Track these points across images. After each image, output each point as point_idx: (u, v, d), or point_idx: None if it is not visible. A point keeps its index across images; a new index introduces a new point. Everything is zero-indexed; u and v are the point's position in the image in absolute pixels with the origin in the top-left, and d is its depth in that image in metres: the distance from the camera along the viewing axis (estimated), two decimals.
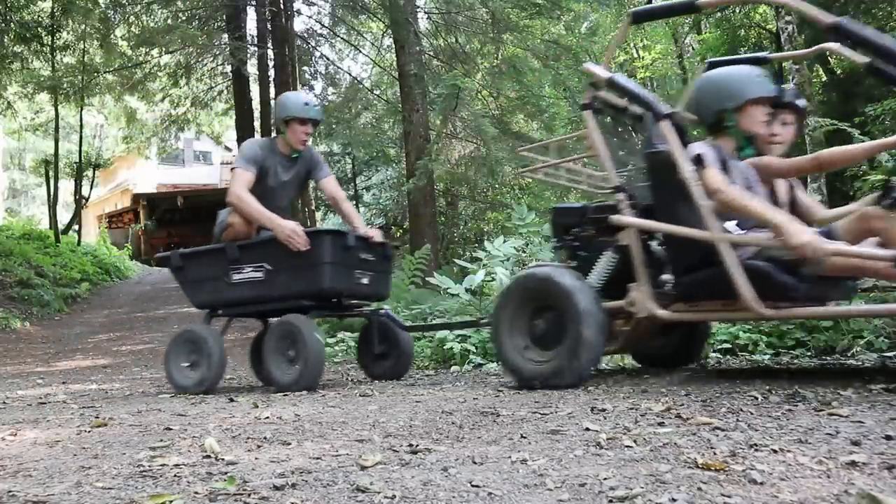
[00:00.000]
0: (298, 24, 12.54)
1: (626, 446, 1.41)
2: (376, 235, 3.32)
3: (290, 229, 3.00)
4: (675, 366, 3.08)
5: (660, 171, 2.49)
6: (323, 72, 13.31)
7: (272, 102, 12.33)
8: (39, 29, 13.28)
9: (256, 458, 1.49)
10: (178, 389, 3.24)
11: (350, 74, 13.71)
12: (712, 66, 2.75)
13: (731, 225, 2.40)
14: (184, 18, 11.70)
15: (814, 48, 2.67)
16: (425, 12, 10.53)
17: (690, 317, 2.53)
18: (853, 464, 1.18)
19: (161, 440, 1.78)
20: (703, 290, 2.43)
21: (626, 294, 2.56)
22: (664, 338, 3.04)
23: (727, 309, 2.40)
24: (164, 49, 12.00)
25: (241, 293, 3.18)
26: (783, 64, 10.96)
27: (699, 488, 1.07)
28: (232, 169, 3.26)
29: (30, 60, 13.55)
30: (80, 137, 16.03)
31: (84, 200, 18.38)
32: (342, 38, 13.57)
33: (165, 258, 3.44)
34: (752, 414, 1.69)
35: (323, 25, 13.19)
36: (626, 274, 2.59)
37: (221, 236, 3.27)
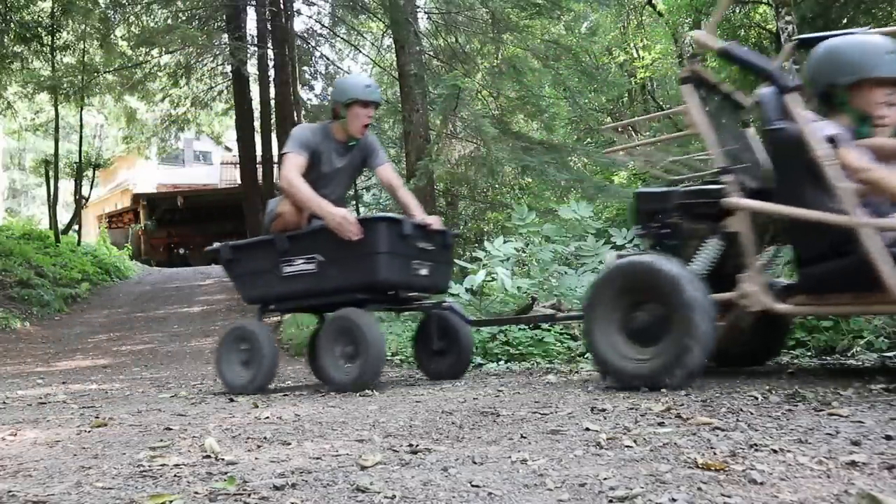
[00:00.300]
0: (298, 24, 12.56)
1: (626, 446, 1.41)
2: (435, 223, 3.13)
3: (340, 216, 2.83)
4: (754, 364, 2.90)
5: (784, 150, 2.25)
6: (323, 72, 13.31)
7: (272, 102, 12.37)
8: (39, 29, 13.28)
9: (256, 458, 1.49)
10: (229, 389, 3.14)
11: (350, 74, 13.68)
12: (803, 44, 2.51)
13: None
14: (184, 18, 11.70)
15: None
16: (425, 12, 10.52)
17: (815, 311, 2.31)
18: (853, 464, 1.18)
19: (161, 440, 1.78)
20: (835, 282, 2.17)
21: (726, 286, 2.32)
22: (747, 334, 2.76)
23: (863, 302, 2.14)
24: (164, 49, 12.01)
25: (293, 287, 3.02)
26: (783, 64, 10.95)
27: (699, 488, 1.07)
28: (283, 154, 3.10)
29: (30, 60, 13.55)
30: (80, 137, 16.03)
31: (84, 200, 18.37)
32: (342, 38, 13.57)
33: (215, 251, 3.28)
34: (752, 414, 1.69)
35: (323, 25, 13.19)
36: (725, 264, 2.38)
37: (271, 227, 3.11)
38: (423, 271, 3.04)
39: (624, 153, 3.43)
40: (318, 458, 1.46)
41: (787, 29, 7.69)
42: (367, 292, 2.96)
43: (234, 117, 14.61)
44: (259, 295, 3.19)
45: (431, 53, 10.21)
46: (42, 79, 12.94)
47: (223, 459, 1.49)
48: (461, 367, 3.31)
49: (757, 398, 1.91)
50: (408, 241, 2.93)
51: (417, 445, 1.54)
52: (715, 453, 1.30)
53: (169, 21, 11.49)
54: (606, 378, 2.40)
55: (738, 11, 12.83)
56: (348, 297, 2.94)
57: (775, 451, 1.29)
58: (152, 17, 12.12)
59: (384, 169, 3.32)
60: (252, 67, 13.15)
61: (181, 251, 23.15)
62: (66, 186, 21.30)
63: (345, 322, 2.84)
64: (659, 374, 2.20)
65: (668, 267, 2.21)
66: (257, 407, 2.49)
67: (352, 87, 3.11)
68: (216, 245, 3.28)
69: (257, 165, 14.24)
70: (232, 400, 2.80)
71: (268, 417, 2.15)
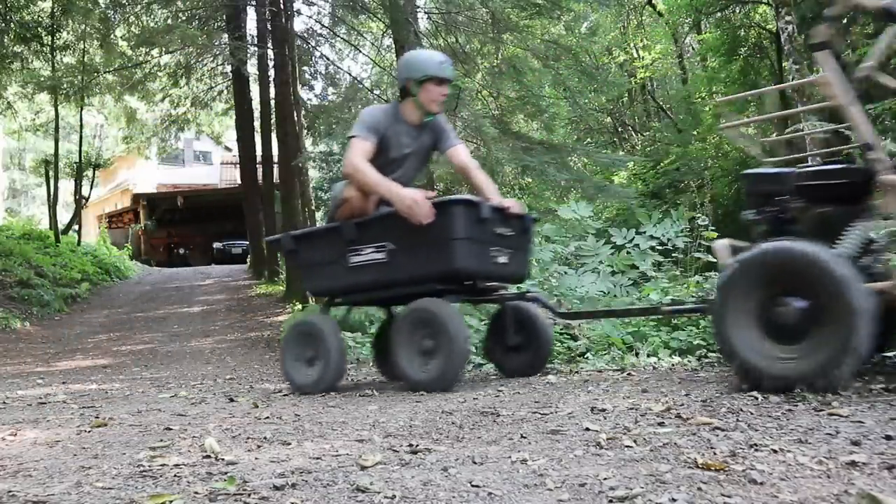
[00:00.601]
0: (298, 24, 12.56)
1: (626, 446, 1.41)
2: (514, 206, 2.89)
3: (410, 199, 2.61)
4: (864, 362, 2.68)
5: None
6: (323, 72, 13.31)
7: (272, 102, 12.37)
8: (39, 29, 13.29)
9: (256, 458, 1.49)
10: (295, 389, 2.95)
11: (350, 74, 13.71)
12: None
13: None
14: (184, 18, 11.71)
15: None
16: (425, 12, 10.52)
17: None
18: (853, 464, 1.18)
19: (161, 440, 1.78)
20: None
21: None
22: None
23: None
24: (164, 49, 12.01)
25: (361, 278, 2.80)
26: (783, 64, 10.95)
27: (699, 488, 1.07)
28: (349, 138, 2.90)
29: (30, 60, 13.57)
30: (80, 137, 16.04)
31: (84, 200, 18.38)
32: (342, 38, 13.57)
33: (276, 241, 3.11)
34: (752, 414, 1.69)
35: (323, 25, 13.19)
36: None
37: (336, 214, 2.90)
38: (502, 259, 2.80)
39: (735, 131, 3.16)
40: (318, 458, 1.46)
41: (787, 29, 7.70)
42: (443, 282, 2.72)
43: (234, 117, 14.64)
44: (324, 287, 2.99)
45: None
46: (42, 79, 12.95)
47: (223, 459, 1.49)
48: (539, 363, 3.05)
49: (757, 398, 1.91)
50: (486, 225, 2.70)
51: (417, 445, 1.54)
52: (715, 453, 1.30)
53: (169, 21, 11.50)
54: (744, 381, 2.08)
55: (738, 11, 12.84)
56: (421, 288, 2.71)
57: (775, 451, 1.29)
58: (152, 17, 12.13)
59: (457, 151, 3.08)
60: (252, 67, 13.16)
61: (181, 251, 23.15)
62: (66, 186, 21.30)
63: (423, 314, 2.61)
64: (817, 375, 1.95)
65: (823, 256, 1.95)
66: (257, 407, 2.49)
67: (426, 62, 2.89)
68: (277, 235, 3.12)
69: (257, 165, 14.24)
70: (232, 400, 2.80)
71: (268, 417, 2.15)
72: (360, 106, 12.78)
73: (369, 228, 2.79)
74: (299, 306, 9.02)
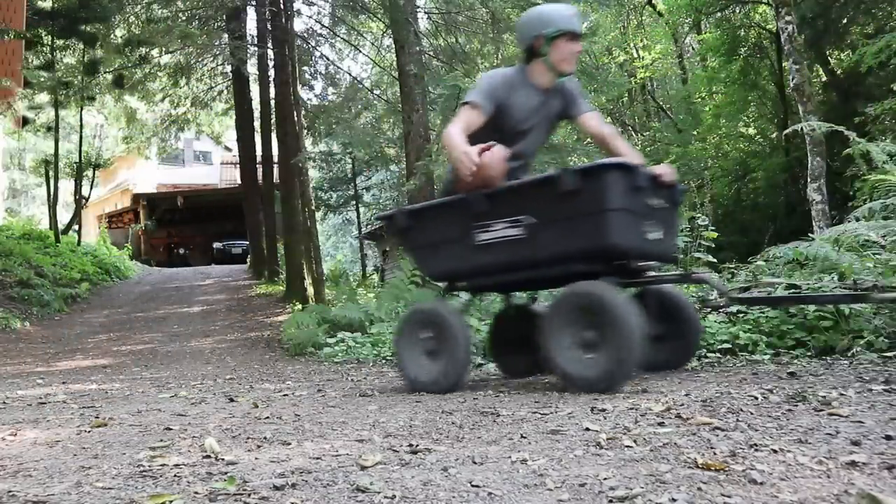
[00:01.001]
0: (298, 24, 12.57)
1: (626, 446, 1.41)
2: (668, 173, 2.50)
3: (461, 150, 2.39)
4: None
5: None
6: (323, 72, 13.32)
7: (272, 102, 12.37)
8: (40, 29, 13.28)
9: (256, 458, 1.49)
10: (413, 386, 2.63)
11: (350, 74, 13.72)
12: None
13: None
14: (184, 18, 11.72)
15: None
16: (425, 12, 10.53)
17: None
18: (853, 464, 1.18)
19: (161, 440, 1.78)
20: None
21: None
22: None
23: None
24: (164, 49, 12.02)
25: (491, 258, 2.44)
26: (783, 64, 10.95)
27: (699, 488, 1.07)
28: (462, 104, 2.63)
29: (30, 60, 13.55)
30: (80, 137, 16.03)
31: (84, 200, 18.37)
32: (342, 38, 13.58)
33: (387, 218, 2.78)
34: (752, 414, 1.69)
35: (323, 25, 13.20)
36: None
37: (457, 187, 2.56)
38: (655, 234, 2.40)
39: None
40: (318, 458, 1.46)
41: (787, 29, 7.69)
42: (591, 262, 2.35)
43: (234, 117, 14.65)
44: (444, 270, 2.65)
45: (431, 53, 10.22)
46: (42, 79, 12.94)
47: (223, 459, 1.49)
48: (686, 354, 2.72)
49: (757, 398, 1.91)
50: (640, 195, 2.32)
51: (417, 445, 1.54)
52: (715, 453, 1.30)
53: (169, 21, 11.50)
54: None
55: (738, 11, 12.84)
56: (566, 270, 2.36)
57: (775, 451, 1.29)
58: (152, 16, 12.13)
59: (589, 118, 2.75)
60: (252, 67, 13.17)
61: (181, 251, 23.17)
62: (66, 186, 21.30)
63: (584, 299, 2.22)
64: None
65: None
66: (257, 407, 2.49)
67: (557, 16, 2.57)
68: (389, 211, 2.80)
69: (257, 165, 14.26)
70: (232, 400, 2.80)
71: (268, 417, 2.15)
72: (360, 106, 12.81)
73: (503, 200, 2.41)
74: (299, 306, 9.02)
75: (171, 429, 1.99)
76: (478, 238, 2.47)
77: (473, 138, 2.53)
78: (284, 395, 2.90)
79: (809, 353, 3.22)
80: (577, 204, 2.26)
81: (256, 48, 12.15)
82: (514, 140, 2.60)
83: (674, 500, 1.03)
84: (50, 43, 13.34)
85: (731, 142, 14.03)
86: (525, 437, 1.57)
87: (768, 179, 12.46)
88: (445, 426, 1.80)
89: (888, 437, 1.35)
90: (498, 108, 2.59)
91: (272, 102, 12.32)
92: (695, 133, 14.37)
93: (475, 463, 1.34)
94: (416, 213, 2.69)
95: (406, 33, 8.55)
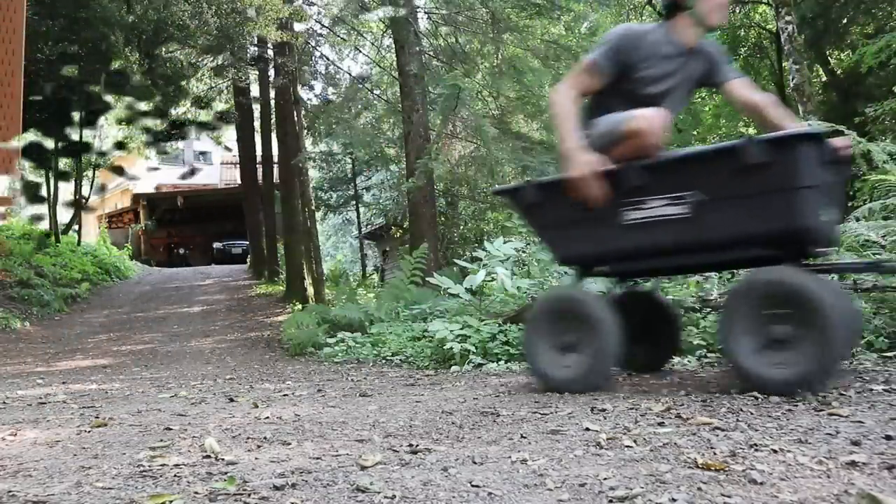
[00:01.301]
0: (299, 25, 12.55)
1: (626, 446, 1.41)
2: (846, 147, 2.24)
3: (585, 167, 2.15)
4: None
5: None
6: (323, 72, 13.32)
7: (271, 103, 12.38)
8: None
9: (256, 458, 1.49)
10: (547, 384, 2.32)
11: (350, 74, 13.71)
12: None
13: None
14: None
15: None
16: (425, 12, 10.53)
17: None
18: (853, 464, 1.18)
19: (161, 440, 1.78)
20: None
21: None
22: None
23: None
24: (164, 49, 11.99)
25: (645, 240, 2.14)
26: (783, 64, 10.95)
27: (699, 488, 1.08)
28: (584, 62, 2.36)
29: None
30: (80, 137, 16.01)
31: (84, 200, 18.36)
32: (342, 38, 13.57)
33: (512, 191, 2.47)
34: (752, 414, 1.69)
35: (323, 25, 13.20)
36: None
37: (609, 154, 2.20)
38: (829, 215, 2.12)
39: None
40: (318, 458, 1.46)
41: (787, 29, 7.69)
42: (774, 246, 2.04)
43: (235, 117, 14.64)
44: (581, 253, 2.34)
45: (431, 53, 10.22)
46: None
47: (223, 459, 1.49)
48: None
49: (757, 398, 1.91)
50: (824, 171, 2.04)
51: (417, 445, 1.54)
52: (715, 453, 1.30)
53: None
54: None
55: (738, 11, 12.83)
56: (741, 254, 2.09)
57: (775, 451, 1.29)
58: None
59: (739, 85, 2.42)
60: (252, 68, 13.15)
61: (181, 251, 23.17)
62: (67, 186, 21.27)
63: (779, 287, 1.93)
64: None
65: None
66: (257, 407, 2.49)
67: None
68: (514, 184, 2.48)
69: (257, 165, 14.26)
70: (232, 400, 2.80)
71: (268, 417, 2.15)
72: (360, 106, 12.79)
73: (663, 173, 2.11)
74: (299, 306, 9.02)
75: (171, 429, 1.99)
76: (627, 216, 2.16)
77: (592, 105, 2.34)
78: (284, 395, 2.90)
79: None
80: (764, 179, 1.96)
81: (257, 48, 12.15)
82: (643, 107, 2.25)
83: (674, 500, 1.03)
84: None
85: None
86: (525, 437, 1.57)
87: None
88: (445, 426, 1.80)
89: (888, 437, 1.35)
90: (623, 69, 2.28)
91: (272, 102, 12.33)
92: (695, 133, 14.37)
93: (475, 463, 1.34)
94: (550, 186, 2.33)
95: (406, 33, 8.55)
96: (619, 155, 2.18)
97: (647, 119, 2.14)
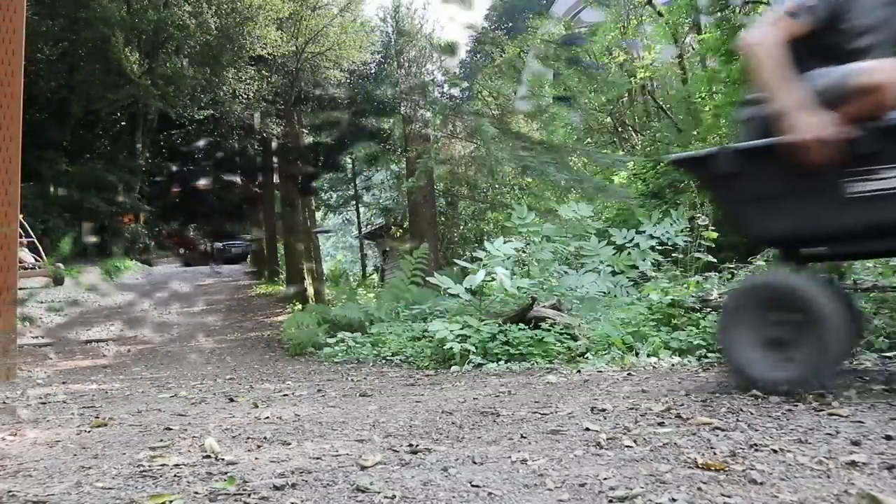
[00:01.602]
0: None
1: (626, 446, 1.41)
2: None
3: (814, 129, 1.81)
4: None
5: None
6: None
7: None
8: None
9: (256, 458, 1.49)
10: (753, 384, 1.96)
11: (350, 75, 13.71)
12: None
13: None
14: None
15: None
16: None
17: None
18: (853, 464, 1.18)
19: (161, 440, 1.78)
20: None
21: None
22: None
23: None
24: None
25: (878, 215, 1.83)
26: None
27: (699, 488, 1.07)
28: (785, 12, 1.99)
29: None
30: None
31: None
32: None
33: (700, 160, 2.16)
34: (752, 414, 1.69)
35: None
36: None
37: (840, 112, 1.85)
38: None
39: None
40: (318, 458, 1.46)
41: None
42: None
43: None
44: (789, 231, 2.01)
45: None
46: None
47: (223, 459, 1.49)
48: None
49: (757, 398, 1.91)
50: None
51: (417, 445, 1.54)
52: (715, 453, 1.30)
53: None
54: None
55: (738, 11, 12.84)
56: None
57: (775, 451, 1.29)
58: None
59: None
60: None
61: (181, 251, 23.18)
62: None
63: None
64: None
65: None
66: (257, 407, 2.49)
67: None
68: (707, 150, 2.17)
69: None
70: (232, 400, 2.80)
71: (268, 417, 2.15)
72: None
73: None
74: (299, 306, 9.02)
75: (171, 429, 1.98)
76: (854, 188, 1.86)
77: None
78: (284, 395, 2.90)
79: None
80: None
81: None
82: (847, 61, 1.93)
83: (674, 500, 1.03)
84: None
85: (731, 142, 14.03)
86: (525, 437, 1.57)
87: None
88: (445, 426, 1.80)
89: (888, 437, 1.35)
90: (832, 17, 1.95)
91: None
92: (695, 133, 14.37)
93: (475, 463, 1.34)
94: (753, 152, 1.99)
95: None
96: (846, 115, 1.84)
97: (887, 73, 1.80)
